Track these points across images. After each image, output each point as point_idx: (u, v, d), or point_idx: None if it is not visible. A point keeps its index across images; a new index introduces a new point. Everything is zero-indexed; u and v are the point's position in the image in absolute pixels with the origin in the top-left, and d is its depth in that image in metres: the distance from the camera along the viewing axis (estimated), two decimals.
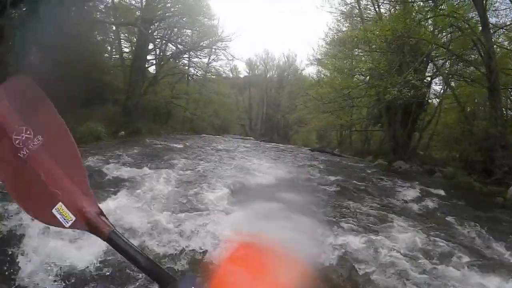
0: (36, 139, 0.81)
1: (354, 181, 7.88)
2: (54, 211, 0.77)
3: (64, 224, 0.77)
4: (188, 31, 18.25)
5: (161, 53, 18.73)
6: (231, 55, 20.33)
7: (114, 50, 17.78)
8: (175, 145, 11.45)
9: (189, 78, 25.09)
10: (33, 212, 0.82)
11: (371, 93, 14.47)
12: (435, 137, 16.33)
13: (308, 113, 23.11)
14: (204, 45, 19.16)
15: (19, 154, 0.80)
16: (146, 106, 16.60)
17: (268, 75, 37.84)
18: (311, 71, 33.04)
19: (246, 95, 38.68)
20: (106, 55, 16.79)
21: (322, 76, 22.48)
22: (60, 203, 0.77)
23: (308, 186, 6.93)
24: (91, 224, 0.76)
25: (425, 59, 12.50)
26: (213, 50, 21.71)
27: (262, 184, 6.55)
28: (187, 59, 22.96)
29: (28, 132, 0.81)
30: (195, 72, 24.27)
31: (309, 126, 25.72)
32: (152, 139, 12.29)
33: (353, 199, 5.99)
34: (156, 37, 16.79)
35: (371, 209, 5.35)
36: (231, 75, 36.58)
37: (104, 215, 0.78)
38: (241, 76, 39.92)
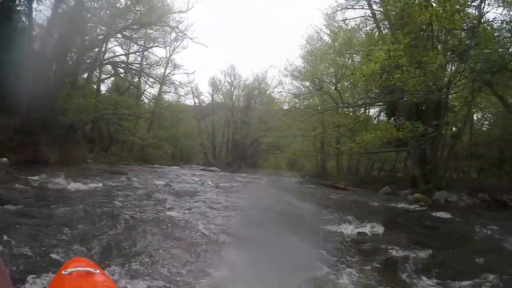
0: None
1: (414, 236, 4.12)
2: None
3: None
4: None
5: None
6: (189, 37, 15.97)
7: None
8: (90, 184, 6.65)
9: (141, 93, 20.33)
10: None
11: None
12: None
13: (285, 136, 19.14)
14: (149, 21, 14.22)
15: None
16: (67, 124, 11.47)
17: (234, 95, 33.14)
18: (286, 88, 27.45)
19: (209, 120, 33.86)
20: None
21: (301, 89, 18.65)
22: None
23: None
24: None
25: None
26: (170, 43, 17.17)
27: None
28: (138, 65, 18.29)
29: None
30: (147, 83, 19.50)
31: (286, 151, 21.66)
32: (55, 172, 7.37)
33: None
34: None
35: None
36: (192, 100, 31.98)
37: None
38: (204, 101, 35.19)
